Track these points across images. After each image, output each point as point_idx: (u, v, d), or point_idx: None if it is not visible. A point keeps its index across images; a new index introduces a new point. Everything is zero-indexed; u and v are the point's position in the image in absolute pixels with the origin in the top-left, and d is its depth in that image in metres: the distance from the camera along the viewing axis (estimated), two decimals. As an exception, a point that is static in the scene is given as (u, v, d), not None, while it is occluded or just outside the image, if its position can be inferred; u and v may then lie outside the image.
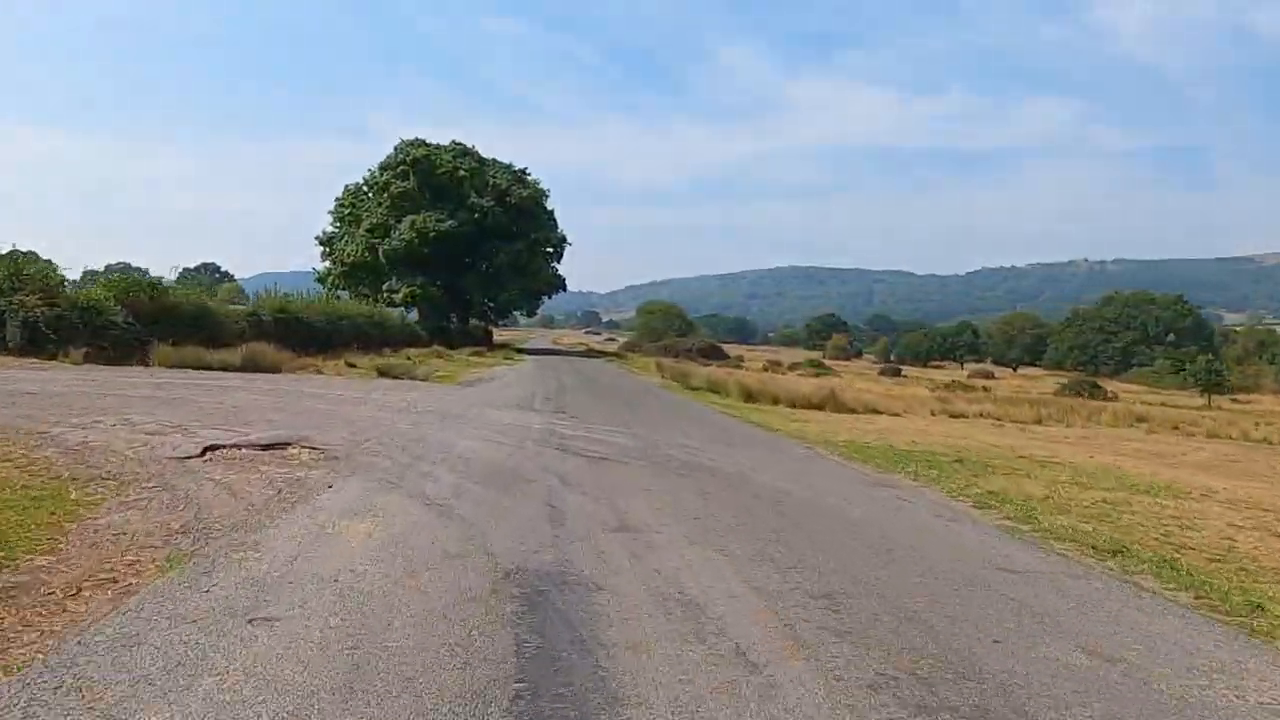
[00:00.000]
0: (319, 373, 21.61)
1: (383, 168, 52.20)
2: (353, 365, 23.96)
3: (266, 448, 8.91)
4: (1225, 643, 4.16)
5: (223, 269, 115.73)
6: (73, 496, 6.16)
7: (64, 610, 3.80)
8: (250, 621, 3.63)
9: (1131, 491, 10.72)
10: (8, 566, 4.36)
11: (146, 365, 19.15)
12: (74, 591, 4.10)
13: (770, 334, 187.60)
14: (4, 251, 22.08)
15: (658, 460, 9.74)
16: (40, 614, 3.75)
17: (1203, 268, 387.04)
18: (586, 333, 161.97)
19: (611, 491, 7.37)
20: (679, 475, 8.63)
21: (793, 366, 61.42)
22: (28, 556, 4.55)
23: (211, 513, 5.85)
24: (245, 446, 8.85)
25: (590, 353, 61.89)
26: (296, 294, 34.82)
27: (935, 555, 5.59)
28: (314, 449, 8.98)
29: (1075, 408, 31.49)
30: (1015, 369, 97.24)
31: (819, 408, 22.98)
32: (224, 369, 19.25)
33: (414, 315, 50.55)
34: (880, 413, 23.57)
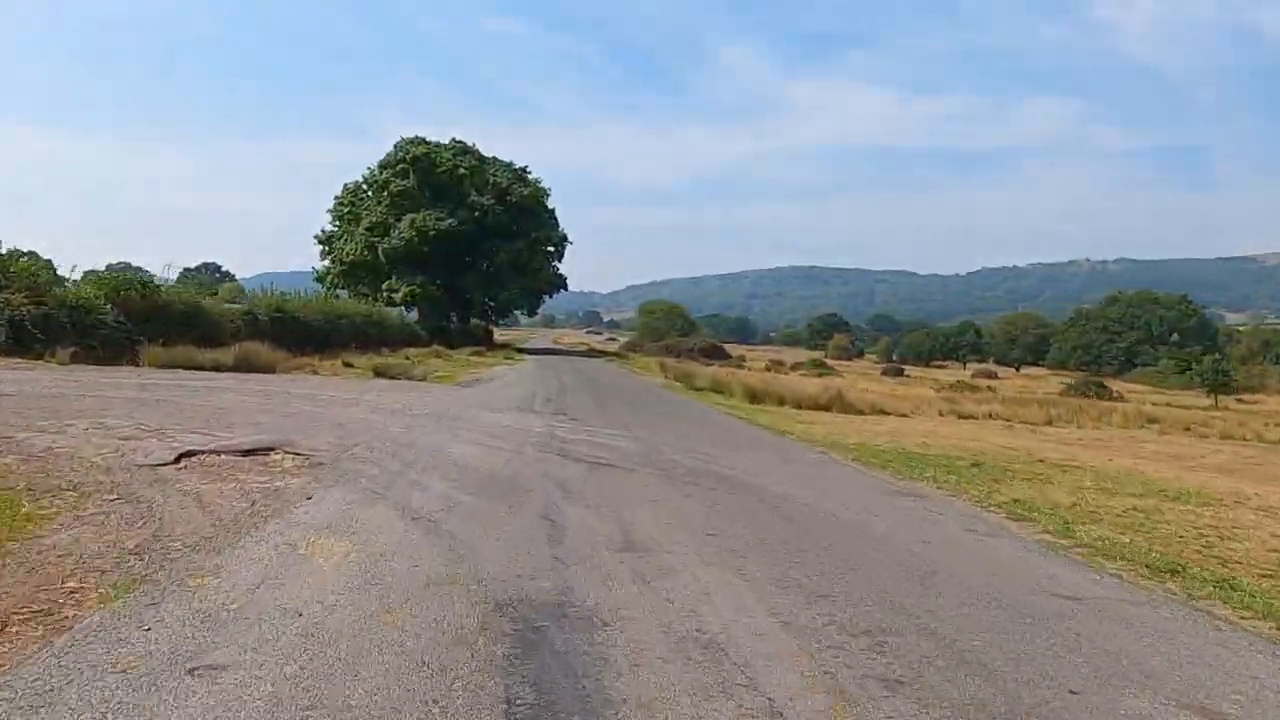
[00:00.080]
0: (315, 373, 21.08)
1: (382, 166, 51.62)
2: (350, 365, 23.45)
3: (247, 453, 8.34)
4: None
5: (224, 269, 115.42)
6: (24, 510, 5.58)
7: (-24, 654, 3.23)
8: (190, 672, 3.05)
9: (1160, 498, 10.21)
10: (-77, 598, 3.80)
11: (136, 365, 18.62)
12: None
13: (771, 334, 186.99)
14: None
15: (663, 466, 9.16)
16: (-54, 659, 3.18)
17: (1204, 267, 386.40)
18: (588, 332, 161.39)
19: (616, 503, 6.79)
20: (687, 484, 8.05)
21: (795, 366, 60.89)
22: (-49, 584, 3.99)
23: (174, 529, 5.28)
24: (224, 452, 8.28)
25: (591, 352, 61.32)
26: (294, 293, 34.25)
27: (978, 578, 5.01)
28: (298, 454, 8.41)
29: (1084, 408, 30.95)
30: (1018, 369, 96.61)
31: (825, 408, 22.47)
32: (216, 369, 18.74)
33: (414, 315, 50.04)
34: (888, 413, 23.07)
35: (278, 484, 6.86)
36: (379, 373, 21.88)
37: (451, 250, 49.55)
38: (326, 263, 52.34)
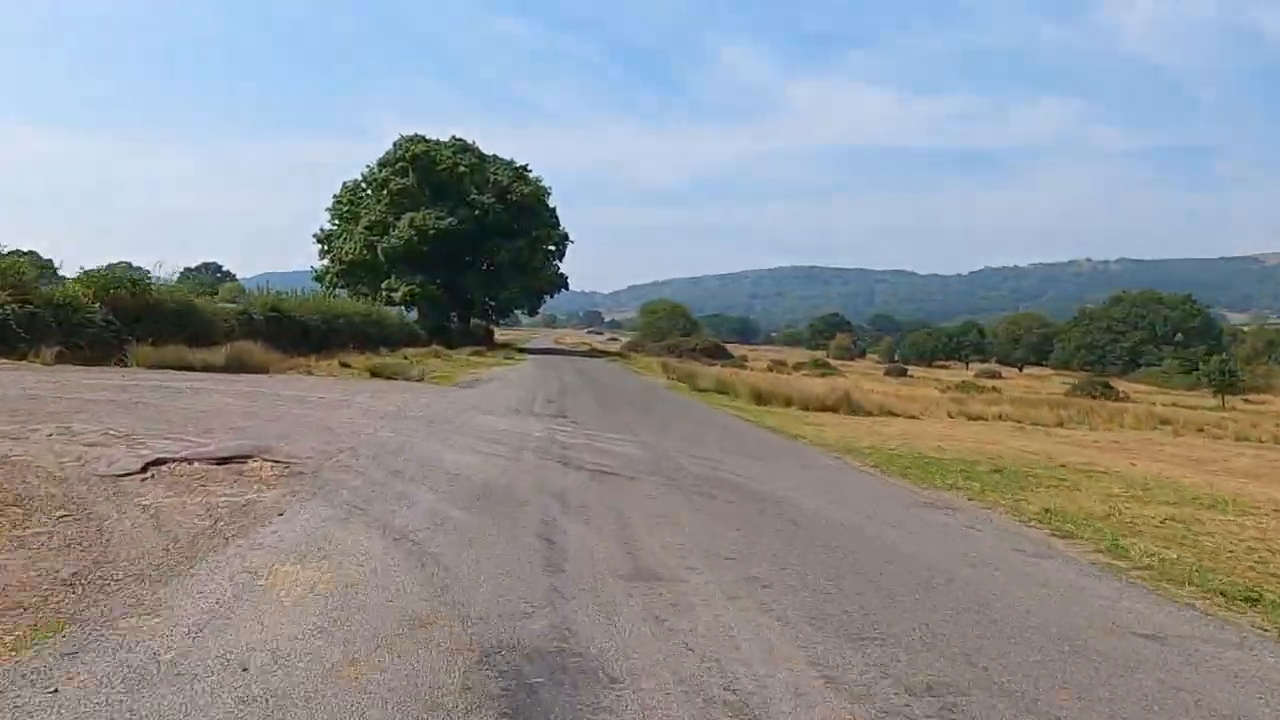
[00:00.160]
0: (309, 373, 20.46)
1: (382, 164, 50.99)
2: (347, 365, 22.86)
3: (222, 461, 7.70)
4: None
5: (224, 268, 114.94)
6: (-43, 530, 4.96)
7: None
8: (90, 757, 2.42)
9: (1195, 506, 9.64)
10: None
11: (124, 365, 18.02)
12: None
13: (773, 334, 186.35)
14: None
15: (671, 474, 8.51)
16: None
17: (1206, 267, 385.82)
18: (589, 332, 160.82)
19: (621, 518, 6.14)
20: (697, 494, 7.40)
21: (797, 366, 60.27)
22: None
23: (120, 553, 4.64)
24: (197, 460, 7.64)
25: (593, 352, 60.66)
26: (291, 293, 33.58)
27: (1042, 612, 4.36)
28: (277, 462, 7.77)
29: (1095, 409, 30.37)
30: (1021, 369, 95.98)
31: (833, 410, 21.88)
32: (207, 369, 18.15)
33: (414, 314, 49.42)
34: (896, 415, 22.49)
35: (249, 497, 6.22)
36: (375, 373, 21.29)
37: (451, 249, 48.93)
38: (325, 262, 51.71)
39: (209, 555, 4.61)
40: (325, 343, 27.76)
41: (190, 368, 18.04)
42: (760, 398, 23.10)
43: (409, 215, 47.57)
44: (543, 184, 53.91)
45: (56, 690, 2.86)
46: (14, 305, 18.24)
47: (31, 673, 3.01)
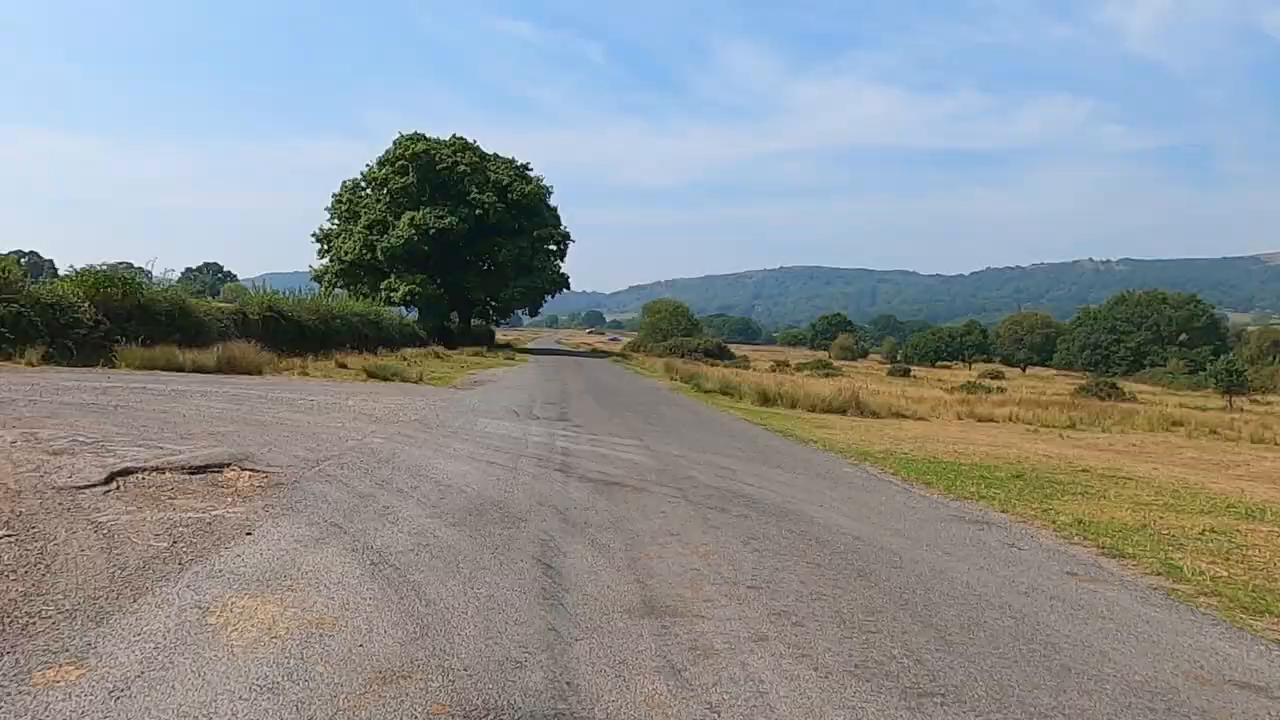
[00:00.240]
0: (304, 374, 19.90)
1: (381, 163, 50.48)
2: (344, 366, 22.32)
3: (196, 471, 7.12)
4: None
5: (225, 269, 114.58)
6: (-122, 554, 4.39)
7: None
8: None
9: (1232, 516, 9.08)
10: None
11: (112, 366, 17.49)
12: None
13: (775, 334, 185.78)
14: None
15: (682, 485, 7.92)
16: None
17: (1209, 267, 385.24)
18: (591, 333, 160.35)
19: (629, 537, 5.55)
20: (713, 509, 6.80)
21: (800, 367, 59.60)
22: None
23: (58, 583, 4.06)
24: (169, 469, 7.06)
25: (595, 353, 60.06)
26: (293, 293, 33.02)
27: (1117, 655, 3.76)
28: (255, 471, 7.20)
29: (1106, 411, 29.77)
30: (1024, 369, 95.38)
31: (840, 411, 21.34)
32: (198, 371, 17.62)
33: (414, 315, 48.90)
34: (905, 417, 21.95)
35: (217, 512, 5.63)
36: (372, 375, 20.75)
37: (452, 248, 48.43)
38: (325, 261, 51.21)
39: (157, 585, 4.03)
40: (323, 343, 27.24)
41: (180, 369, 17.53)
42: (766, 399, 22.59)
43: (409, 214, 47.06)
44: (544, 183, 53.39)
45: (-75, 779, 2.28)
46: (-2, 305, 17.73)
47: (-95, 751, 2.43)
